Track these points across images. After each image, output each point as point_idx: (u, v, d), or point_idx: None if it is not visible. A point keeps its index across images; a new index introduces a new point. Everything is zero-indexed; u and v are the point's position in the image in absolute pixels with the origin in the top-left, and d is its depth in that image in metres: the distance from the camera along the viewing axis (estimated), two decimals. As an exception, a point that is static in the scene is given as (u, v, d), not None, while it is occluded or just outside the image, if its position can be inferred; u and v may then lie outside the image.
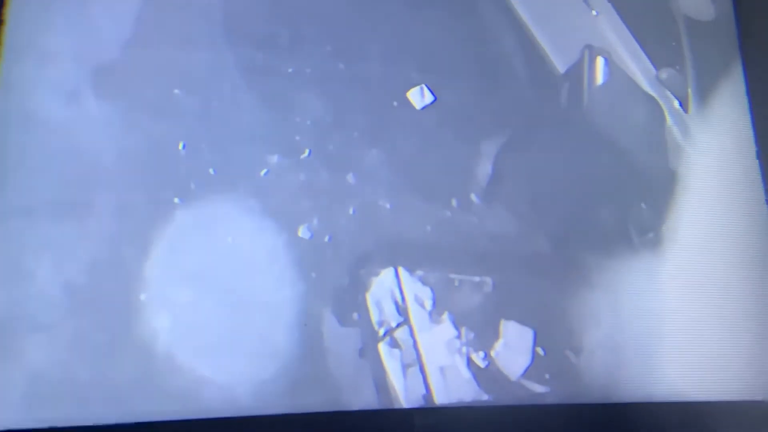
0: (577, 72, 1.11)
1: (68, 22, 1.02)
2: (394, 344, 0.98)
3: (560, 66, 1.11)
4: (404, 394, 0.97)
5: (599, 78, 1.11)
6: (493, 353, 1.00)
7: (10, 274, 0.93)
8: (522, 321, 1.01)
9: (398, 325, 0.99)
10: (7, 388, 0.90)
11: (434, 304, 1.00)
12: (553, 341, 1.02)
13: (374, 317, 0.99)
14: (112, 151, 0.98)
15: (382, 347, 0.98)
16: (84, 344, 0.92)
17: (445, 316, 1.00)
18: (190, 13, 1.05)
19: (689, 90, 1.13)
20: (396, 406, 0.97)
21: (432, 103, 1.07)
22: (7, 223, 0.94)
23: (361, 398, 0.96)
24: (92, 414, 0.90)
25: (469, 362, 0.99)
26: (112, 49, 1.02)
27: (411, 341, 0.99)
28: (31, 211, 0.95)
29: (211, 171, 1.00)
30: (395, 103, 1.06)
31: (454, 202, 1.04)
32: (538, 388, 1.00)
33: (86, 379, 0.91)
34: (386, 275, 1.00)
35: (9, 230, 0.94)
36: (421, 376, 0.98)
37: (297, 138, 1.03)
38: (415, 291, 1.00)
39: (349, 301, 0.99)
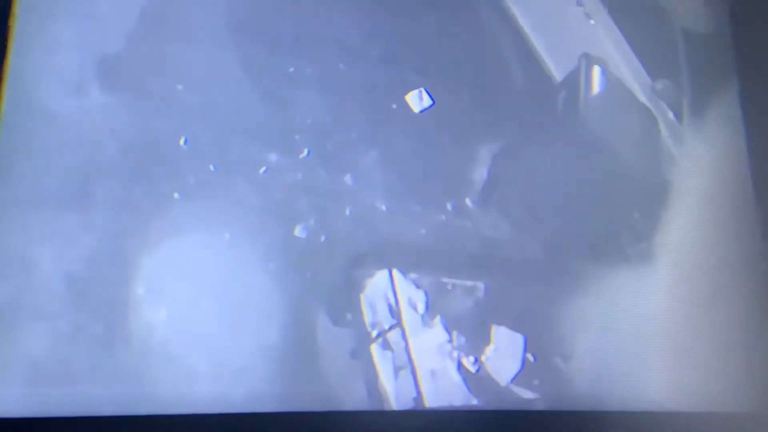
0: (573, 80, 1.12)
1: (75, 15, 1.01)
2: (386, 346, 0.98)
3: (557, 74, 1.12)
4: (395, 396, 0.97)
5: (595, 87, 1.12)
6: (483, 358, 1.00)
7: (12, 263, 0.92)
8: (513, 327, 1.02)
9: (391, 328, 0.99)
10: (6, 376, 0.89)
11: (427, 307, 1.01)
12: (544, 348, 1.02)
13: (367, 318, 0.99)
14: (114, 144, 0.98)
15: (375, 349, 0.98)
16: (82, 335, 0.92)
17: (438, 319, 1.00)
18: (195, 9, 1.05)
19: (684, 101, 1.14)
20: (386, 408, 0.97)
21: (430, 106, 1.07)
22: (10, 213, 0.94)
23: (352, 399, 0.96)
24: (87, 405, 0.90)
25: (460, 366, 0.99)
26: (117, 43, 1.01)
27: (403, 344, 0.99)
28: (33, 201, 0.94)
29: (211, 167, 1.00)
30: (394, 106, 1.07)
31: (449, 206, 1.04)
32: (528, 394, 1.00)
33: (83, 370, 0.91)
34: (380, 277, 1.00)
35: (11, 220, 0.94)
36: (412, 379, 0.98)
37: (296, 137, 1.03)
38: (409, 294, 1.01)
39: (343, 301, 0.99)
